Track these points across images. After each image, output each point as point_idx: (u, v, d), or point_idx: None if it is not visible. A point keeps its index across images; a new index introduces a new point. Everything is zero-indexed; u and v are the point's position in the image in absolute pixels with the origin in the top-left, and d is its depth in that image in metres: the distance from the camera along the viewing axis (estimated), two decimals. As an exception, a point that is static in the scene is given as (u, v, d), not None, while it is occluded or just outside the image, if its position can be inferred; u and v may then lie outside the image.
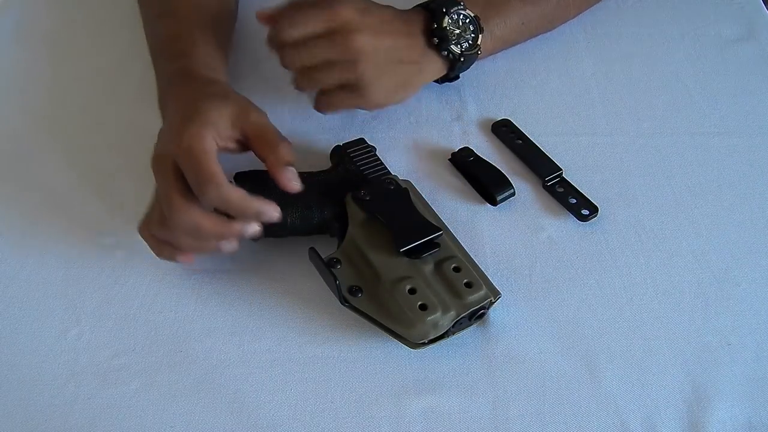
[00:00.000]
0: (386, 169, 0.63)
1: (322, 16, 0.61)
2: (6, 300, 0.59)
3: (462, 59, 0.68)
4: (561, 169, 0.66)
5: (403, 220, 0.58)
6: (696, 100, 0.72)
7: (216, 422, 0.53)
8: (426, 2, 0.68)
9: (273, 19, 0.62)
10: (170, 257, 0.58)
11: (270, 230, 0.57)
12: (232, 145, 0.57)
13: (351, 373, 0.55)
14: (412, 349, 0.54)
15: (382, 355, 0.56)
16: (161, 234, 0.57)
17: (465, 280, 0.55)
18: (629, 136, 0.70)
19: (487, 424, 0.53)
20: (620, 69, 0.75)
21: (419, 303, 0.53)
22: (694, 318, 0.58)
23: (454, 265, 0.56)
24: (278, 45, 0.62)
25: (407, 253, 0.56)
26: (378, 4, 0.65)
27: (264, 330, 0.57)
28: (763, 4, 0.81)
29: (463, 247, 0.59)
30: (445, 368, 0.55)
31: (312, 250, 0.57)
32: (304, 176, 0.57)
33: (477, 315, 0.55)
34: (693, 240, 0.62)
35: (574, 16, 0.78)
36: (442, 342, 0.55)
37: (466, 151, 0.67)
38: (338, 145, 0.65)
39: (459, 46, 0.67)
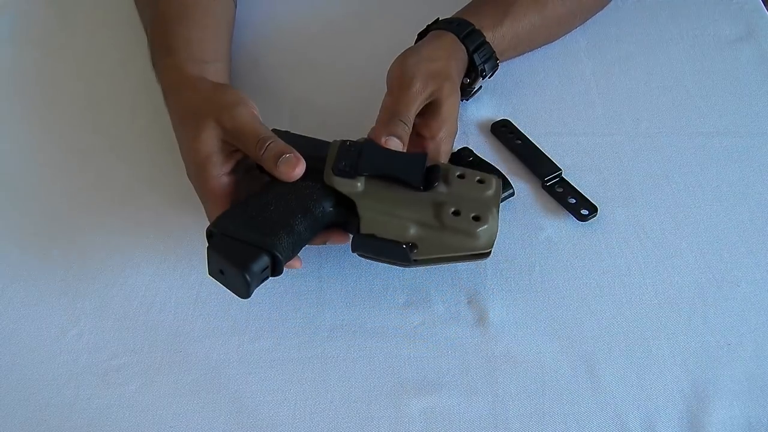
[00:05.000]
0: (321, 140, 0.60)
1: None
2: (6, 300, 0.59)
3: (468, 93, 0.70)
4: (560, 169, 0.66)
5: (392, 162, 0.56)
6: (695, 100, 0.72)
7: (215, 422, 0.53)
8: (460, 35, 0.66)
9: None
10: None
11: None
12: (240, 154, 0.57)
13: (351, 373, 0.55)
14: (485, 259, 0.54)
15: (382, 355, 0.56)
16: None
17: (477, 178, 0.57)
18: (628, 136, 0.70)
19: (486, 423, 0.53)
20: (619, 69, 0.75)
21: (472, 215, 0.54)
22: (694, 318, 0.58)
23: (458, 173, 0.57)
24: None
25: (424, 186, 0.56)
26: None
27: (263, 330, 0.57)
28: (762, 4, 0.81)
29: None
30: (445, 368, 0.55)
31: (360, 236, 0.54)
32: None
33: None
34: (692, 240, 0.62)
35: (578, 26, 0.78)
36: (441, 339, 0.56)
37: (465, 152, 0.67)
38: None
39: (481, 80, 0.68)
